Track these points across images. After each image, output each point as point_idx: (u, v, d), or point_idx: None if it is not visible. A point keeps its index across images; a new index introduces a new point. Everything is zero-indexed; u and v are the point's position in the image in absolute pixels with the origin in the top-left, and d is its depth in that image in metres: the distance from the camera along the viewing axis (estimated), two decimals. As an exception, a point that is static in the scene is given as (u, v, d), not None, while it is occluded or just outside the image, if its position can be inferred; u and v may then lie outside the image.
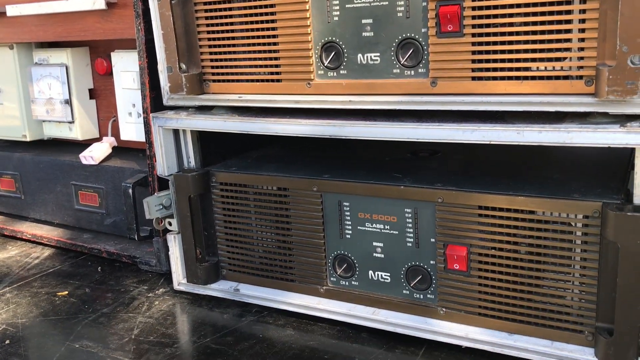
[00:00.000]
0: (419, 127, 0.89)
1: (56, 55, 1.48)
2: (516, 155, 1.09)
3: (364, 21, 0.94)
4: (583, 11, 0.78)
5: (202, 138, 1.17)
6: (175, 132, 1.15)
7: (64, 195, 1.50)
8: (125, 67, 1.36)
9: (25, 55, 1.53)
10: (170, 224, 1.17)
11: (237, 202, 1.10)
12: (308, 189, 1.02)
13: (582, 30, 0.78)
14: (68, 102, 1.48)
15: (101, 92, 1.51)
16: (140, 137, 1.37)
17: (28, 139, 1.57)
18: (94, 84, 1.51)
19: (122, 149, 1.50)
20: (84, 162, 1.43)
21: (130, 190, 1.31)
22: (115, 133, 1.49)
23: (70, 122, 1.50)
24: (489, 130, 0.83)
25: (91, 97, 1.51)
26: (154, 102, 1.22)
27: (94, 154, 1.42)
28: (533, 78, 0.82)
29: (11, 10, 1.36)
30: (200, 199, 1.13)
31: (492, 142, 0.83)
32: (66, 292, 1.23)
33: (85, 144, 1.51)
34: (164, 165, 1.14)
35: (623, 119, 0.78)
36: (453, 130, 0.86)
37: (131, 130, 1.40)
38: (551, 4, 0.79)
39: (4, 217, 1.65)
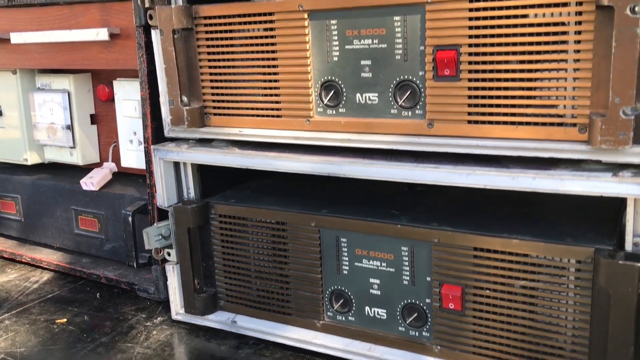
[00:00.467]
0: (416, 168, 0.90)
1: (58, 81, 1.49)
2: (511, 193, 1.10)
3: (362, 62, 0.96)
4: (577, 60, 0.79)
5: (202, 167, 1.18)
6: (176, 163, 1.17)
7: (63, 219, 1.51)
8: (127, 95, 1.37)
9: (27, 79, 1.55)
10: (169, 254, 1.18)
11: (236, 234, 1.11)
12: (306, 224, 1.03)
13: (576, 79, 0.80)
14: (70, 127, 1.49)
15: (102, 118, 1.52)
16: (141, 164, 1.38)
17: (29, 163, 1.59)
18: (95, 110, 1.53)
19: (122, 174, 1.51)
20: (85, 187, 1.44)
21: (130, 218, 1.32)
22: (116, 158, 1.50)
23: (71, 147, 1.51)
24: (484, 175, 0.85)
25: (92, 122, 1.53)
26: (155, 132, 1.23)
27: (95, 180, 1.43)
28: (528, 124, 0.84)
29: (15, 38, 1.38)
30: (199, 230, 1.14)
31: (486, 187, 0.85)
32: (65, 320, 1.24)
33: (85, 168, 1.52)
34: (164, 196, 1.15)
35: (616, 167, 0.79)
36: (449, 173, 0.87)
37: (132, 157, 1.42)
38: (546, 52, 0.81)
39: (4, 239, 1.66)
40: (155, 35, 1.12)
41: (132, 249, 1.35)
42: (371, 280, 1.00)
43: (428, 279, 0.95)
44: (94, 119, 1.53)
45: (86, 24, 1.29)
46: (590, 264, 0.81)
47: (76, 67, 1.35)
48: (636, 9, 0.72)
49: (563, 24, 0.79)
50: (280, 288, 1.09)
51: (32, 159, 1.59)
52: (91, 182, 1.43)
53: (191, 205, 1.12)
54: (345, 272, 1.02)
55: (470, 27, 0.85)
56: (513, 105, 0.85)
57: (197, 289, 1.16)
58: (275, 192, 1.18)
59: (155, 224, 1.20)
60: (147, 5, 1.10)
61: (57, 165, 1.63)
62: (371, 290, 1.01)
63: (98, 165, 1.54)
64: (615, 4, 0.73)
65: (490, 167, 0.86)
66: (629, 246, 0.80)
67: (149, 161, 1.25)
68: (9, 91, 1.56)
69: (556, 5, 0.79)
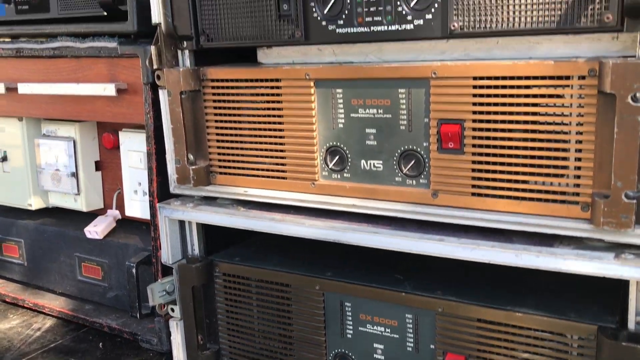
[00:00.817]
0: (421, 239, 0.91)
1: (64, 128, 1.51)
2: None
3: (367, 130, 0.97)
4: (579, 142, 0.81)
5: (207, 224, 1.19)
6: (181, 220, 1.18)
7: (67, 265, 1.52)
8: (133, 146, 1.39)
9: (33, 126, 1.56)
10: (172, 309, 1.18)
11: (240, 293, 1.12)
12: (310, 287, 1.04)
13: (578, 159, 0.81)
14: (74, 175, 1.50)
15: (107, 165, 1.54)
16: (145, 214, 1.39)
17: (33, 208, 1.59)
18: (100, 156, 1.54)
19: (126, 221, 1.52)
20: (89, 236, 1.45)
21: (134, 270, 1.33)
22: (120, 205, 1.51)
23: (75, 194, 1.52)
24: (488, 250, 0.86)
25: (97, 169, 1.54)
26: (160, 186, 1.25)
27: (99, 229, 1.44)
28: (531, 199, 0.85)
29: (23, 89, 1.40)
30: (204, 288, 1.15)
31: (490, 262, 0.86)
32: (68, 373, 1.24)
33: (89, 214, 1.53)
34: (168, 253, 1.16)
35: (618, 247, 0.80)
36: (454, 247, 0.88)
37: (136, 207, 1.43)
38: (548, 132, 0.82)
39: (6, 282, 1.66)
40: (162, 95, 1.13)
41: (135, 300, 1.35)
42: (375, 345, 1.01)
43: (432, 346, 0.95)
44: (98, 166, 1.54)
45: (93, 77, 1.31)
46: (594, 341, 0.82)
47: (82, 119, 1.37)
48: (638, 96, 0.74)
49: (565, 105, 0.81)
50: (283, 349, 1.09)
51: (36, 204, 1.59)
52: (95, 231, 1.43)
53: (195, 264, 1.13)
54: (349, 336, 1.03)
55: (475, 104, 0.87)
56: (516, 181, 0.86)
57: (201, 345, 1.17)
58: (280, 249, 1.19)
59: (159, 279, 1.20)
60: (155, 66, 1.11)
61: (61, 209, 1.64)
62: (375, 355, 1.01)
63: (102, 211, 1.55)
64: (617, 92, 0.74)
65: (494, 240, 0.87)
66: (631, 325, 0.81)
67: (153, 215, 1.26)
68: (15, 137, 1.57)
69: (559, 86, 0.81)
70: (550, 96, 0.81)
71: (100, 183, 1.55)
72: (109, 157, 1.53)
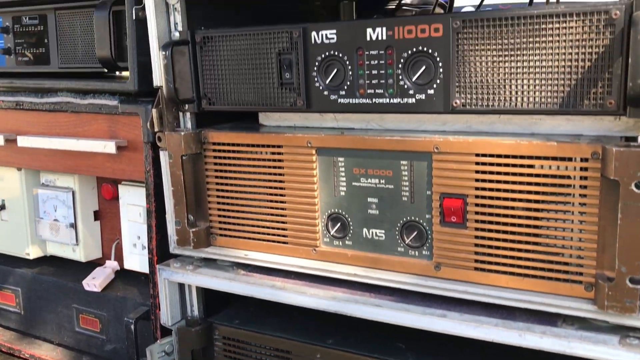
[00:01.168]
0: (424, 314, 0.91)
1: (63, 178, 1.50)
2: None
3: (369, 199, 0.97)
4: (582, 222, 0.81)
5: (207, 284, 1.19)
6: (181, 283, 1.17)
7: (64, 316, 1.51)
8: (132, 200, 1.38)
9: (32, 175, 1.55)
10: (172, 371, 1.17)
11: (240, 357, 1.11)
12: (311, 354, 1.03)
13: (581, 239, 0.81)
14: (73, 225, 1.49)
15: (106, 214, 1.53)
16: (144, 268, 1.38)
17: (31, 257, 1.58)
18: (99, 206, 1.53)
19: (125, 271, 1.50)
20: (87, 288, 1.44)
21: (132, 326, 1.31)
22: (119, 254, 1.50)
23: (74, 244, 1.51)
24: (491, 329, 0.85)
25: (96, 219, 1.53)
26: (159, 243, 1.24)
27: (97, 282, 1.43)
28: (534, 276, 0.85)
29: (22, 142, 1.39)
30: (203, 350, 1.14)
31: (494, 341, 0.85)
32: None
33: (88, 264, 1.52)
34: (167, 315, 1.15)
35: (623, 329, 0.80)
36: (456, 324, 0.88)
37: (135, 261, 1.42)
38: (551, 210, 0.82)
39: (2, 330, 1.64)
40: (163, 156, 1.13)
41: (134, 355, 1.34)
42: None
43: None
44: (97, 215, 1.53)
45: (93, 133, 1.31)
46: None
47: (82, 173, 1.36)
48: (641, 184, 0.74)
49: (568, 186, 0.81)
50: (284, 415, 1.08)
51: (34, 253, 1.58)
52: (94, 284, 1.42)
53: (195, 327, 1.12)
54: (350, 404, 1.02)
55: (477, 180, 0.87)
56: (519, 258, 0.86)
57: (200, 407, 1.15)
58: (280, 311, 1.17)
59: (158, 340, 1.19)
60: (156, 129, 1.11)
61: (59, 257, 1.62)
62: None
63: (100, 261, 1.54)
64: (620, 179, 0.74)
65: (497, 317, 0.87)
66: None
67: (152, 272, 1.26)
68: (14, 186, 1.56)
69: (561, 167, 0.81)
70: (553, 176, 0.81)
71: (99, 233, 1.54)
72: (108, 207, 1.52)
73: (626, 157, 0.74)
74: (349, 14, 1.65)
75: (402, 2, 1.78)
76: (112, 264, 1.49)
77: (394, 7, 1.78)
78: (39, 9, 1.42)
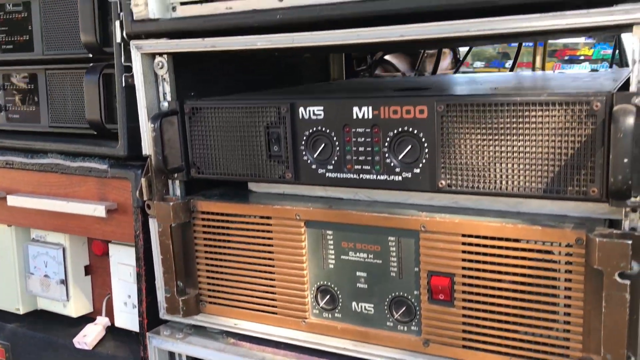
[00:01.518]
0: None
1: (54, 234, 1.50)
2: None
3: (358, 273, 0.98)
4: (568, 305, 0.81)
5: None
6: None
7: (55, 373, 1.50)
8: (122, 260, 1.38)
9: (22, 231, 1.55)
10: None
11: None
12: None
13: (567, 322, 0.82)
14: (64, 282, 1.49)
15: (97, 269, 1.52)
16: (135, 326, 1.37)
17: (21, 312, 1.57)
18: (90, 261, 1.53)
19: (116, 328, 1.50)
20: (78, 346, 1.43)
21: (123, 389, 1.31)
22: (110, 310, 1.49)
23: (65, 300, 1.51)
24: (481, 411, 0.86)
25: (87, 273, 1.53)
26: (149, 305, 1.24)
27: (88, 339, 1.42)
28: (522, 356, 0.85)
29: (12, 201, 1.39)
30: (194, 417, 1.14)
31: None
32: None
33: (79, 318, 1.51)
34: (158, 383, 1.15)
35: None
36: (445, 405, 0.88)
37: (126, 319, 1.41)
38: (538, 293, 0.83)
39: (-8, 385, 1.63)
40: (152, 224, 1.14)
41: (124, 417, 1.33)
42: None
43: None
44: (88, 270, 1.53)
45: (84, 194, 1.31)
46: None
47: (71, 233, 1.36)
48: (625, 274, 0.74)
49: (554, 270, 0.81)
50: None
51: (24, 308, 1.57)
52: (84, 342, 1.41)
53: (186, 397, 1.12)
54: None
55: (464, 259, 0.87)
56: (507, 337, 0.86)
57: None
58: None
59: (149, 408, 1.19)
60: (145, 197, 1.11)
61: (50, 312, 1.62)
62: None
63: (91, 315, 1.53)
64: (604, 269, 0.75)
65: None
66: None
67: (143, 334, 1.25)
68: (3, 241, 1.56)
69: (546, 251, 0.81)
70: (538, 260, 0.82)
71: (89, 288, 1.54)
72: (99, 262, 1.52)
73: (609, 248, 0.74)
74: (339, 63, 1.67)
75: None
76: (103, 321, 1.48)
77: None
78: (29, 69, 1.43)
